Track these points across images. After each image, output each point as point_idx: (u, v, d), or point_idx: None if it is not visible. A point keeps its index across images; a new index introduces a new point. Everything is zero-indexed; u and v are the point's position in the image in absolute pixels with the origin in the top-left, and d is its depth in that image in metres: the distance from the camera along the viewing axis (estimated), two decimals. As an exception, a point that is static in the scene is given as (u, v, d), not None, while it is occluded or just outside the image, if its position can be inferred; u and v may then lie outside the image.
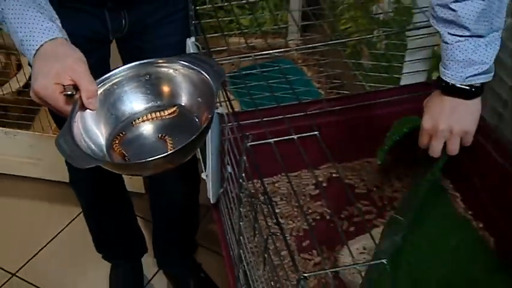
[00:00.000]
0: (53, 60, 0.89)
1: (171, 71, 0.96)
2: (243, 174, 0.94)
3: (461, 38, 0.96)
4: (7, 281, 1.72)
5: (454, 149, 1.06)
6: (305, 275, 0.74)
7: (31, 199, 1.95)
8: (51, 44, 0.90)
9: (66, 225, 1.87)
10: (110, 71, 0.97)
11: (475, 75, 0.98)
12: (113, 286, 1.68)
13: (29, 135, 1.87)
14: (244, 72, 1.75)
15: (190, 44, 1.15)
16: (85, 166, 0.82)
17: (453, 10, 0.94)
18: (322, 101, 1.36)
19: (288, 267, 1.25)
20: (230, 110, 1.01)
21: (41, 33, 0.90)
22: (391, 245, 1.10)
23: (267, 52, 1.13)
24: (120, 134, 0.95)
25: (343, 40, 1.30)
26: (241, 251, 1.04)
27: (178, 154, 0.85)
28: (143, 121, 0.97)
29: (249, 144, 0.90)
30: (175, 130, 0.94)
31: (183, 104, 0.97)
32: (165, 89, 0.97)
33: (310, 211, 1.36)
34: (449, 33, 0.97)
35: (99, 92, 0.92)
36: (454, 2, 0.93)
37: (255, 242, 0.98)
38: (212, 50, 1.14)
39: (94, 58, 1.21)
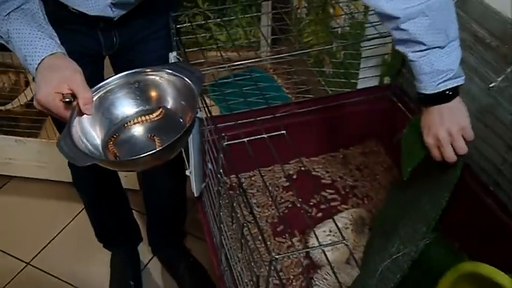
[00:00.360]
0: (53, 72, 0.89)
1: (157, 78, 0.95)
2: (221, 170, 0.93)
3: (422, 53, 0.93)
4: (23, 269, 1.71)
5: (461, 147, 0.97)
6: (276, 256, 0.73)
7: (40, 198, 1.94)
8: (51, 58, 0.90)
9: (72, 220, 1.86)
10: (104, 80, 0.96)
11: (445, 81, 0.94)
12: (114, 271, 1.65)
13: (37, 142, 1.87)
14: (221, 81, 1.75)
15: (173, 57, 1.13)
16: (84, 164, 0.82)
17: (404, 30, 0.91)
18: (290, 104, 1.35)
19: (265, 250, 1.24)
20: (208, 115, 0.99)
21: (42, 49, 0.90)
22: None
23: (240, 62, 1.11)
24: (114, 136, 0.94)
25: (306, 51, 1.30)
26: (222, 237, 1.02)
27: (165, 151, 0.85)
28: (134, 123, 0.96)
29: (225, 143, 0.89)
30: (162, 130, 0.93)
31: (168, 107, 0.96)
32: (153, 94, 0.96)
33: (283, 200, 1.35)
34: (411, 52, 0.94)
35: (94, 98, 0.92)
36: (402, 23, 0.91)
37: (233, 229, 0.96)
38: (192, 62, 1.12)
39: (88, 72, 1.18)
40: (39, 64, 0.90)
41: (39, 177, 1.94)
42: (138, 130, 0.95)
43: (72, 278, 1.67)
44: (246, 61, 1.11)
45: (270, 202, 1.34)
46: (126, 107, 0.97)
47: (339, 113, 1.40)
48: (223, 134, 0.88)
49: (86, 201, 1.55)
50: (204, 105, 1.00)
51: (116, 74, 1.28)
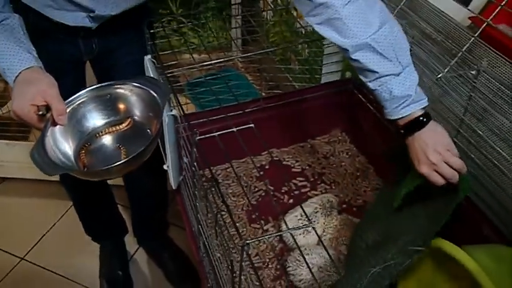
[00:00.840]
0: (29, 84, 0.89)
1: (126, 91, 0.96)
2: (195, 164, 0.93)
3: (379, 81, 0.91)
4: (17, 264, 1.70)
5: (455, 162, 0.89)
6: (247, 241, 0.74)
7: (31, 197, 1.92)
8: (27, 72, 0.90)
9: (62, 216, 1.84)
10: (77, 92, 0.96)
11: (405, 106, 0.91)
12: (102, 262, 1.65)
13: (26, 145, 1.86)
14: (196, 80, 1.75)
15: (148, 60, 1.13)
16: (54, 173, 0.84)
17: (356, 60, 0.90)
18: (260, 100, 1.36)
19: (241, 236, 1.25)
20: (182, 113, 0.99)
21: (19, 62, 0.90)
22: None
23: (209, 62, 1.11)
24: (86, 145, 0.94)
25: (271, 49, 1.30)
26: (199, 226, 1.03)
27: (131, 161, 0.85)
28: (105, 134, 0.96)
29: (197, 138, 0.89)
30: (131, 140, 0.94)
31: (137, 119, 0.96)
32: (122, 106, 0.97)
33: (256, 189, 1.35)
34: (368, 81, 0.92)
35: (67, 110, 0.92)
36: (352, 54, 0.89)
37: (209, 218, 0.97)
38: (166, 64, 1.12)
39: (71, 77, 1.18)
40: (16, 77, 0.89)
41: (30, 177, 1.92)
42: (108, 140, 0.96)
43: (64, 271, 1.66)
44: (215, 61, 1.12)
45: (245, 191, 1.35)
46: (96, 118, 0.97)
47: (306, 106, 1.41)
48: (195, 130, 0.88)
49: (73, 198, 1.54)
50: (177, 104, 1.01)
51: (97, 77, 1.29)
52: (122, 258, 1.65)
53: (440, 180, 0.89)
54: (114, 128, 0.95)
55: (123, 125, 0.95)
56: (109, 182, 1.59)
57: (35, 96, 0.87)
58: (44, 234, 1.79)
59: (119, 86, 0.95)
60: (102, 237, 1.66)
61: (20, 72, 0.89)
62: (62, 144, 0.91)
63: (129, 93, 0.95)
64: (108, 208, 1.59)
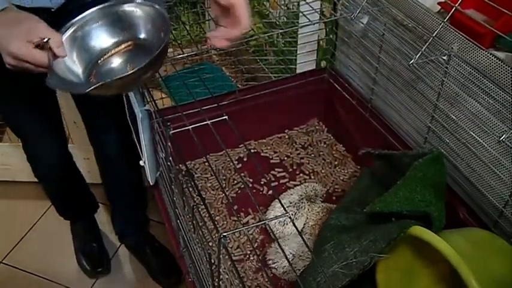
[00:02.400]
0: (16, 24, 0.83)
1: (130, 8, 0.92)
2: (170, 158, 0.92)
3: None
4: (-4, 268, 1.67)
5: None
6: (224, 234, 0.73)
7: (8, 198, 1.88)
8: (5, 13, 0.84)
9: (40, 217, 1.81)
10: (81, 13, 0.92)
11: None
12: (76, 237, 1.65)
13: (1, 146, 1.81)
14: (173, 74, 1.73)
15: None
16: (85, 90, 0.79)
17: None
18: (236, 92, 1.35)
19: (222, 229, 1.25)
20: (155, 108, 0.98)
21: None
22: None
23: (183, 55, 1.10)
24: (94, 68, 0.91)
25: (244, 40, 1.29)
26: (178, 221, 1.02)
27: (143, 70, 0.82)
28: (111, 55, 0.93)
29: (171, 132, 0.88)
30: (140, 59, 0.87)
31: (145, 37, 0.92)
32: (128, 24, 0.93)
33: (235, 182, 1.35)
34: None
35: (70, 32, 0.89)
36: None
37: (186, 212, 0.96)
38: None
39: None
40: None
41: (5, 179, 1.89)
42: (115, 61, 0.93)
43: (44, 272, 1.64)
44: (189, 54, 1.10)
45: (224, 184, 1.35)
46: (102, 38, 0.93)
47: (282, 96, 1.41)
48: (168, 123, 0.87)
49: (46, 187, 1.53)
50: (151, 99, 0.99)
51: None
52: (95, 233, 1.66)
53: None
54: (117, 49, 0.92)
55: (123, 45, 0.92)
56: (88, 180, 1.58)
57: (28, 33, 0.82)
58: (23, 236, 1.77)
59: (122, 4, 0.92)
60: (76, 216, 1.65)
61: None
62: (71, 70, 0.88)
63: (134, 10, 0.92)
64: (81, 189, 1.59)
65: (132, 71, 0.81)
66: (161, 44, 0.83)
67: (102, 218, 1.73)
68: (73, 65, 0.89)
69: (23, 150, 1.39)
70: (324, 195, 1.30)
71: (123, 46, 0.93)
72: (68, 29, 0.90)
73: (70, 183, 1.51)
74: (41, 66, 0.83)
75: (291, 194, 1.24)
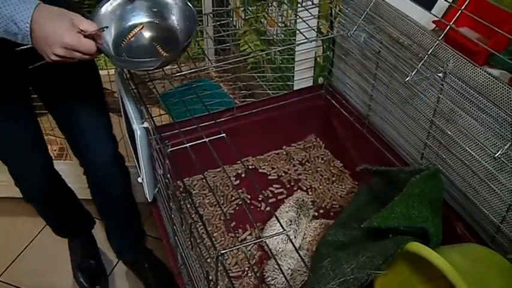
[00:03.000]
0: (59, 17, 0.85)
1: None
2: (168, 175, 0.93)
3: None
4: (-8, 285, 1.66)
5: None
6: (222, 252, 0.73)
7: (5, 215, 1.88)
8: (41, 8, 0.85)
9: (37, 234, 1.81)
10: None
11: None
12: (73, 254, 1.65)
13: (-2, 163, 1.81)
14: (170, 91, 1.74)
15: (117, 73, 1.12)
16: (156, 65, 0.93)
17: None
18: (233, 109, 1.36)
19: (220, 245, 1.25)
20: (153, 125, 0.99)
21: (26, 4, 0.83)
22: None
23: (182, 73, 1.11)
24: (120, 42, 0.98)
25: (242, 58, 1.31)
26: (176, 238, 1.02)
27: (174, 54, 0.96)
28: (133, 35, 0.99)
29: (169, 150, 0.88)
30: (163, 40, 1.00)
31: (176, 24, 1.01)
32: (160, 9, 1.01)
33: (233, 198, 1.35)
34: None
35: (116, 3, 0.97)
36: None
37: (184, 229, 0.97)
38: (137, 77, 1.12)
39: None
40: (31, 21, 0.83)
41: (2, 195, 1.88)
42: (141, 40, 1.00)
43: (41, 289, 1.64)
44: (189, 71, 1.12)
45: (222, 200, 1.35)
46: (132, 18, 1.00)
47: (280, 113, 1.42)
48: (166, 141, 0.88)
49: (37, 209, 1.52)
50: (149, 117, 1.00)
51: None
52: (93, 249, 1.66)
53: None
54: (134, 31, 0.99)
55: (137, 29, 0.99)
56: (83, 196, 1.58)
57: (73, 25, 0.85)
58: (20, 253, 1.76)
59: None
60: (71, 233, 1.65)
61: (34, 12, 0.83)
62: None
63: (174, 3, 1.01)
64: (74, 207, 1.58)
65: (181, 49, 0.95)
66: (190, 31, 0.96)
67: (100, 234, 1.72)
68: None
69: (10, 175, 1.37)
70: (314, 202, 1.31)
71: (136, 30, 1.00)
72: (102, 7, 0.96)
73: (60, 202, 1.50)
74: (89, 54, 0.88)
75: (287, 212, 1.23)
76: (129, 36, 0.99)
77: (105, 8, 0.97)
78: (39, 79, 1.19)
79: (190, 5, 0.99)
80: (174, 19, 1.01)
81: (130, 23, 1.00)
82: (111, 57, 0.94)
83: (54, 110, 1.28)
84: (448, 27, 0.93)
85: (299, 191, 1.32)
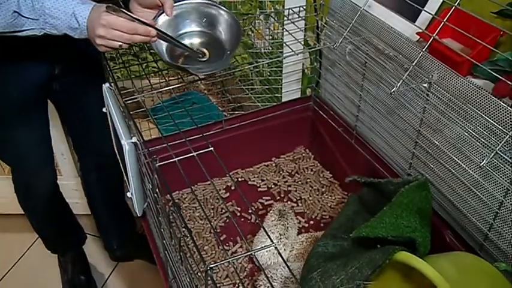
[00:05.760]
0: (101, 5, 0.92)
1: (216, 12, 1.10)
2: (157, 190, 0.93)
3: None
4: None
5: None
6: (211, 266, 0.73)
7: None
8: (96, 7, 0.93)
9: (26, 250, 1.79)
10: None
11: None
12: (64, 270, 1.64)
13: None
14: (159, 105, 1.74)
15: (106, 88, 1.12)
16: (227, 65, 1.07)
17: None
18: (222, 122, 1.36)
19: (211, 258, 1.24)
20: (141, 139, 0.99)
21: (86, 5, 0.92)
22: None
23: (170, 87, 1.12)
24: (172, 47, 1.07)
25: (232, 71, 1.32)
26: (166, 252, 1.02)
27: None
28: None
29: (158, 164, 0.88)
30: (210, 46, 1.09)
31: (220, 34, 1.10)
32: (213, 23, 1.10)
33: (223, 211, 1.35)
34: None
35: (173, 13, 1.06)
36: None
37: (174, 243, 0.96)
38: (126, 91, 1.12)
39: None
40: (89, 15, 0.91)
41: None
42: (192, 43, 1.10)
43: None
44: (170, 87, 1.13)
45: (213, 213, 1.35)
46: (185, 25, 1.10)
47: (268, 125, 1.42)
48: (154, 156, 0.88)
49: (33, 220, 1.52)
50: (137, 131, 1.00)
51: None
52: (84, 264, 1.66)
53: None
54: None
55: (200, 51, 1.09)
56: (75, 210, 1.58)
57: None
58: (9, 270, 1.74)
59: (212, 7, 1.10)
60: (63, 248, 1.65)
61: (93, 9, 0.91)
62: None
63: (219, 14, 1.10)
64: (68, 221, 1.59)
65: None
66: (236, 40, 1.07)
67: (90, 249, 1.71)
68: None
69: (13, 180, 1.39)
70: (293, 207, 1.33)
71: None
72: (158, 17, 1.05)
73: (59, 214, 1.51)
74: (126, 32, 0.92)
75: (275, 225, 1.23)
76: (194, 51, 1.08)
77: (162, 19, 1.05)
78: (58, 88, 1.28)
79: (235, 17, 1.09)
80: (221, 29, 1.10)
81: (182, 31, 1.10)
82: (162, 56, 1.04)
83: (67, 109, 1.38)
84: (432, 38, 0.94)
85: (278, 203, 1.32)
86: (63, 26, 0.93)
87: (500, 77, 0.86)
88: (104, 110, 1.16)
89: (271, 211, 1.25)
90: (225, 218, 1.33)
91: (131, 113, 1.05)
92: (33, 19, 0.92)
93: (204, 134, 1.15)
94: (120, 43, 0.93)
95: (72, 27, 0.93)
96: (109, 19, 0.90)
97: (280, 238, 1.20)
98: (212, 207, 1.36)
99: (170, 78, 1.56)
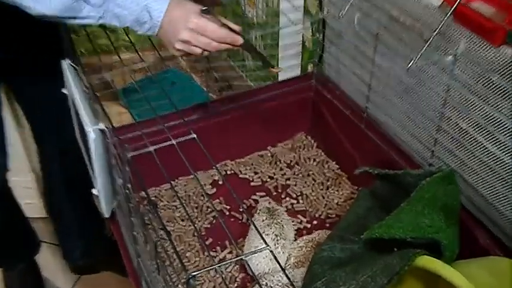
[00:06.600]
0: (185, 3, 0.95)
1: None
2: (129, 185, 0.90)
3: None
4: None
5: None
6: (193, 274, 0.71)
7: None
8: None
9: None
10: None
11: None
12: (9, 284, 1.63)
13: None
14: (131, 85, 1.72)
15: (66, 65, 1.09)
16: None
17: None
18: (207, 104, 1.35)
19: (194, 267, 1.23)
20: (110, 126, 0.97)
21: None
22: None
23: (141, 65, 1.10)
24: None
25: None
26: (139, 259, 1.00)
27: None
28: None
29: (130, 155, 0.86)
30: None
31: None
32: None
33: (209, 210, 1.34)
34: None
35: None
36: None
37: (148, 249, 0.94)
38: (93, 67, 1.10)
39: None
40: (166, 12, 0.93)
41: None
42: None
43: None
44: (149, 62, 1.10)
45: (196, 213, 1.33)
46: None
47: (263, 108, 1.42)
48: (126, 145, 0.86)
49: None
50: (105, 116, 0.98)
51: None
52: (36, 280, 1.65)
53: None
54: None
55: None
56: (27, 213, 1.56)
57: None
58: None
59: None
60: (12, 260, 1.62)
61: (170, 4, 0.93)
62: None
63: None
64: (19, 220, 1.57)
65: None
66: None
67: (45, 259, 1.68)
68: None
69: None
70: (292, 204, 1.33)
71: None
72: None
73: (7, 218, 1.49)
74: (216, 40, 0.97)
75: (268, 226, 1.21)
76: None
77: None
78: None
79: None
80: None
81: None
82: None
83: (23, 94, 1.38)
84: (458, 1, 0.92)
85: (261, 202, 1.32)
86: (130, 18, 0.94)
87: (541, 47, 0.84)
88: (65, 91, 1.13)
89: (258, 211, 1.25)
90: (211, 219, 1.32)
91: (98, 94, 1.04)
92: (95, 5, 0.92)
93: (186, 119, 1.13)
94: (204, 51, 0.96)
95: (140, 21, 0.94)
96: (200, 23, 0.92)
97: (277, 240, 1.19)
98: (196, 205, 1.35)
99: (145, 53, 1.53)
